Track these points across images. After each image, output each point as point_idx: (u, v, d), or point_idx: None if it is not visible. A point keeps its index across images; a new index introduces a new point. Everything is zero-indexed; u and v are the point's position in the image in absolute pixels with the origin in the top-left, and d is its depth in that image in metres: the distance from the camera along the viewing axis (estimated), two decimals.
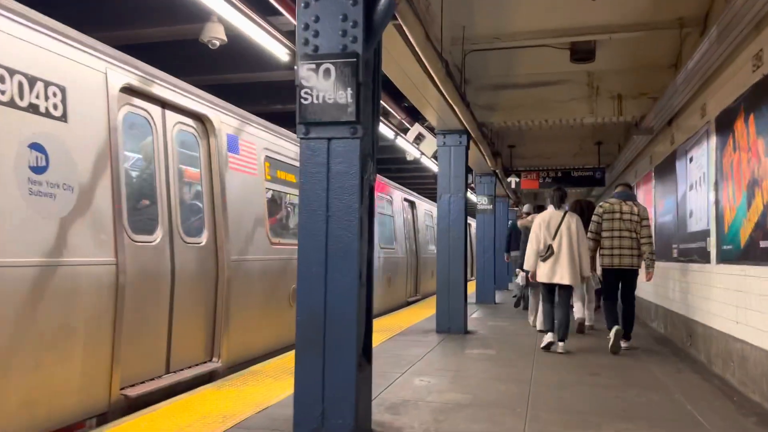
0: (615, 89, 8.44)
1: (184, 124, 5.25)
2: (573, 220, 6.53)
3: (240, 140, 6.02)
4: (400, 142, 10.76)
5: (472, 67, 7.73)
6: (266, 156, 6.58)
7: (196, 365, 5.21)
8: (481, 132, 8.28)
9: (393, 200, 12.00)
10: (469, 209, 10.42)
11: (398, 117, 9.49)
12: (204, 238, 5.36)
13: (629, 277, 6.62)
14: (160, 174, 4.87)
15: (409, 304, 12.42)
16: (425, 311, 10.20)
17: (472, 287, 12.58)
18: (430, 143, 8.85)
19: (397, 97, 8.24)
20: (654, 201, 8.71)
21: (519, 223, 9.86)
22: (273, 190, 6.86)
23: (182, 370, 4.99)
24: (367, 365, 3.38)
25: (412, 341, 7.04)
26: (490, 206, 12.42)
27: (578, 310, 8.04)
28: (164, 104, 4.96)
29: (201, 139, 5.48)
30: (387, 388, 4.72)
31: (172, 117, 5.06)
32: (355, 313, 3.15)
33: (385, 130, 9.95)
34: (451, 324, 7.72)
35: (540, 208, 9.48)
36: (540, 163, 12.70)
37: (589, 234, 6.71)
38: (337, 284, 3.17)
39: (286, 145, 7.08)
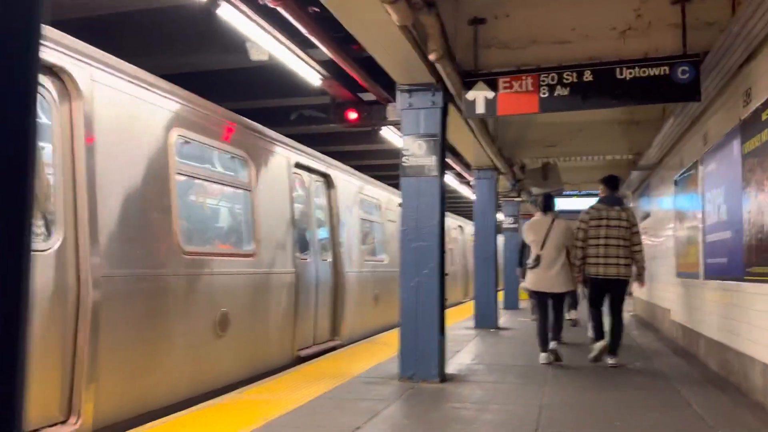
0: None
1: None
2: (561, 226, 6.41)
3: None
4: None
5: None
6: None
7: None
8: None
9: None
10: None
11: None
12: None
13: (617, 287, 6.28)
14: None
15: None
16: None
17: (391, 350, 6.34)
18: None
19: None
20: None
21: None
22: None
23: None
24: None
25: None
26: (430, 160, 5.47)
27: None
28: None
29: None
30: None
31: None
32: None
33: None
34: None
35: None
36: (544, 56, 5.50)
37: (577, 242, 6.31)
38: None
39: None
